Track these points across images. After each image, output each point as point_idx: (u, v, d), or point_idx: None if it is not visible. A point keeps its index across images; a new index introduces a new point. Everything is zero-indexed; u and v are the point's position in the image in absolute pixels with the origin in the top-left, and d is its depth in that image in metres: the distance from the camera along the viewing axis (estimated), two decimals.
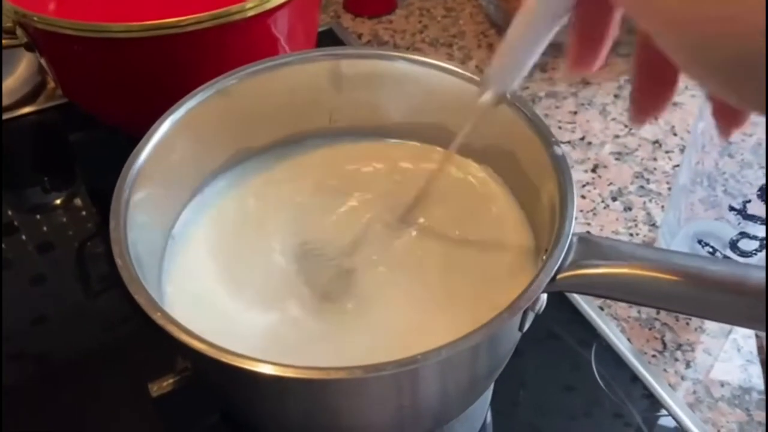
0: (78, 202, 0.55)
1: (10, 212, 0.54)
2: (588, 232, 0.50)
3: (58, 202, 0.55)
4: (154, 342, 0.43)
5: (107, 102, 0.51)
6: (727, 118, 0.23)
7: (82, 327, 0.46)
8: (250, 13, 0.45)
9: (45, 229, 0.53)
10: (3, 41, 0.47)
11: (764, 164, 0.39)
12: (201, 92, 0.35)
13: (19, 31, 0.46)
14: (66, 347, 0.44)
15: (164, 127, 0.34)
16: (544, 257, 0.30)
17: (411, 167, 0.41)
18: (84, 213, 0.54)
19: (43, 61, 0.49)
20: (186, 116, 0.35)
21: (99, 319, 0.46)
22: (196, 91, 0.35)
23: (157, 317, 0.27)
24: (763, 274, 0.25)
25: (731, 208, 0.41)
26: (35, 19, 0.44)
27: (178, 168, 0.36)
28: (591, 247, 0.29)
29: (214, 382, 0.32)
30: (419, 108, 0.40)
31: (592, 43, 0.25)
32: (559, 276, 0.28)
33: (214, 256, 0.36)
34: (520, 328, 0.31)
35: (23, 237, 0.52)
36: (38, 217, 0.54)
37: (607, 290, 0.29)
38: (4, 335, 0.45)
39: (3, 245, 0.51)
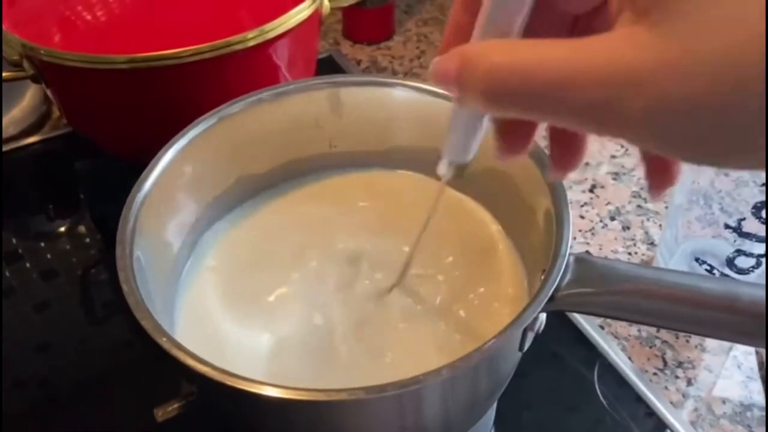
0: (82, 229, 0.55)
1: (14, 240, 0.54)
2: (587, 252, 0.51)
3: (62, 229, 0.55)
4: (158, 367, 0.43)
5: (111, 131, 0.52)
6: (660, 178, 0.23)
7: (86, 353, 0.46)
8: (251, 43, 0.46)
9: (49, 256, 0.53)
10: (10, 73, 0.48)
11: (759, 181, 0.39)
12: (204, 121, 0.36)
13: (26, 64, 0.47)
14: (69, 374, 0.45)
15: (168, 155, 0.35)
16: (542, 277, 0.30)
17: (411, 199, 0.41)
18: (88, 240, 0.54)
19: (49, 92, 0.50)
20: (189, 144, 0.36)
21: (102, 346, 0.46)
22: (199, 119, 0.36)
23: (162, 342, 0.27)
24: (754, 291, 0.26)
25: (727, 226, 0.41)
26: (42, 52, 0.45)
27: (182, 195, 0.37)
28: (587, 267, 0.30)
29: (219, 405, 0.32)
30: (417, 133, 0.41)
31: (570, 150, 0.25)
32: (557, 295, 0.29)
33: (222, 285, 0.37)
34: (520, 348, 0.31)
35: (27, 264, 0.52)
36: (42, 244, 0.54)
37: (603, 309, 0.30)
38: (7, 362, 0.45)
39: (6, 273, 0.51)
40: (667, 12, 0.16)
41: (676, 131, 0.16)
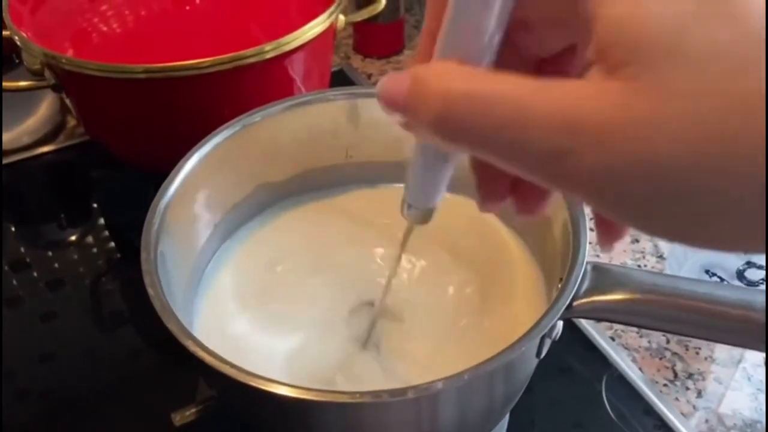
0: (90, 239, 0.55)
1: (23, 249, 0.54)
2: None
3: (72, 238, 0.55)
4: (167, 378, 0.44)
5: (128, 140, 0.52)
6: (609, 232, 0.21)
7: (92, 364, 0.46)
8: (268, 56, 0.46)
9: (56, 266, 0.53)
10: (31, 82, 0.49)
11: None
12: (227, 129, 0.37)
13: (47, 73, 0.47)
14: (75, 384, 0.45)
15: (192, 161, 0.35)
16: (560, 285, 0.31)
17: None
18: (95, 250, 0.54)
19: (68, 101, 0.51)
20: (212, 151, 0.36)
21: (109, 356, 0.46)
22: (222, 127, 0.37)
23: (188, 344, 0.28)
24: None
25: None
26: (63, 61, 0.46)
27: (204, 201, 0.37)
28: (604, 275, 0.30)
29: (240, 407, 0.32)
30: None
31: (529, 196, 0.22)
32: (574, 303, 0.30)
33: (240, 291, 0.38)
34: (538, 354, 0.31)
35: (35, 274, 0.52)
36: (50, 253, 0.54)
37: (620, 315, 0.30)
38: (13, 372, 0.45)
39: (14, 281, 0.51)
40: (645, 69, 0.15)
41: (632, 196, 0.15)
